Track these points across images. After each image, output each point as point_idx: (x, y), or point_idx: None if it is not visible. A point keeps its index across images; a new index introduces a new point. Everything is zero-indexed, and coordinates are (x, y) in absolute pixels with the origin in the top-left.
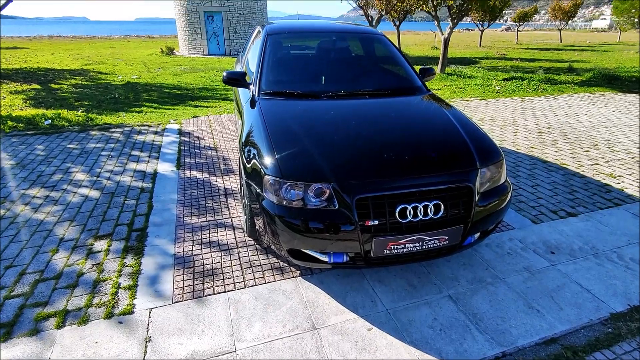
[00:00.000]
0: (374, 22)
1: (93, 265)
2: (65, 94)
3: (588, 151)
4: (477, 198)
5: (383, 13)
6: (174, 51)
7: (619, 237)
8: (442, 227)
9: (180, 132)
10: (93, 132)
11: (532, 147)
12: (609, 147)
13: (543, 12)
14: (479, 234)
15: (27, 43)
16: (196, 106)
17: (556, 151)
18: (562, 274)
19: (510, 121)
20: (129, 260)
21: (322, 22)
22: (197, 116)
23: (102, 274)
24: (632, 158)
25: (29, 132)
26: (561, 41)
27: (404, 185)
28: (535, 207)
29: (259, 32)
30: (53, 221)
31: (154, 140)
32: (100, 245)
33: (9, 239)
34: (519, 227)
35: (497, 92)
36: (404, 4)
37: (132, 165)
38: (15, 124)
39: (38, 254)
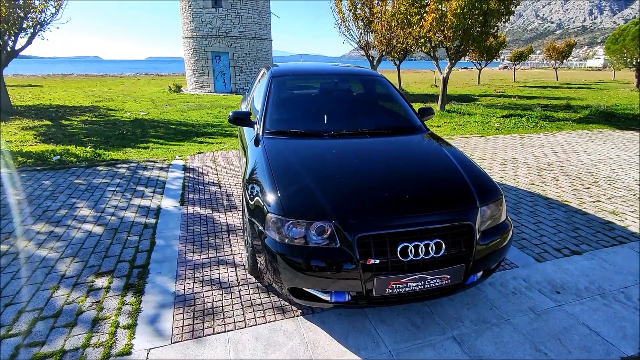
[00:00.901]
0: (375, 61)
1: (93, 303)
2: (75, 130)
3: (589, 188)
4: (478, 236)
5: (383, 53)
6: (182, 89)
7: (625, 277)
8: (444, 266)
9: (185, 168)
10: (100, 168)
11: (533, 184)
12: (610, 184)
13: (538, 52)
14: (481, 272)
15: (42, 81)
16: (201, 142)
17: (557, 188)
18: (569, 315)
19: (510, 158)
20: (129, 298)
21: (324, 65)
22: (202, 152)
23: (101, 312)
24: (634, 195)
25: (38, 168)
26: (557, 79)
27: (404, 224)
28: (538, 245)
29: (264, 73)
30: (55, 257)
31: (159, 176)
32: (101, 282)
33: (11, 275)
34: (522, 265)
35: (497, 129)
36: (403, 45)
37: (137, 201)
38: (25, 160)
39: (39, 291)
